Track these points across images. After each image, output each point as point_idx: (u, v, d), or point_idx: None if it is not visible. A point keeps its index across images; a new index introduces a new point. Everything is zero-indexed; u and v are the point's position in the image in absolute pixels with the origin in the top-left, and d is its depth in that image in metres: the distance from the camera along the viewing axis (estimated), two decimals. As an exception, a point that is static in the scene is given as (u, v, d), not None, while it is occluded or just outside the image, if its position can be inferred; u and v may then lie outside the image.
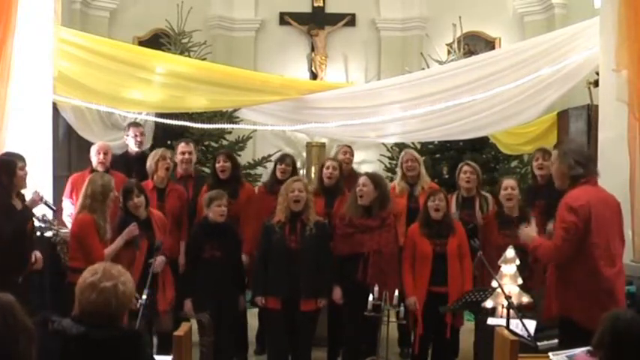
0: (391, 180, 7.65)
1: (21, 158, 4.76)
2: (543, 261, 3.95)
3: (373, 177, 5.22)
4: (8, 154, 4.80)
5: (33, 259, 4.80)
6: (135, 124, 6.49)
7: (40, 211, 5.22)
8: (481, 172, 5.80)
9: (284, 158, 5.99)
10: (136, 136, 6.31)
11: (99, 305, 2.46)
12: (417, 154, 5.95)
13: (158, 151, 5.74)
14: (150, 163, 5.67)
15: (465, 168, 5.67)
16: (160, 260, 4.63)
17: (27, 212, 4.73)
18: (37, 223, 5.24)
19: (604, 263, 3.72)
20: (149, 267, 4.52)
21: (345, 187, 5.62)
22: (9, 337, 2.12)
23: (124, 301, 2.51)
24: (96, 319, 2.46)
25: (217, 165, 5.73)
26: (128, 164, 6.21)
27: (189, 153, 5.96)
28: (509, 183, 5.25)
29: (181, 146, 5.99)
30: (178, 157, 5.93)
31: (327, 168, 5.67)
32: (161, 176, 5.61)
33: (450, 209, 5.29)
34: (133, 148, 6.32)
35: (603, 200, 3.83)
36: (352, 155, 6.43)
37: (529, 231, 4.15)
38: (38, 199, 4.77)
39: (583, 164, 3.79)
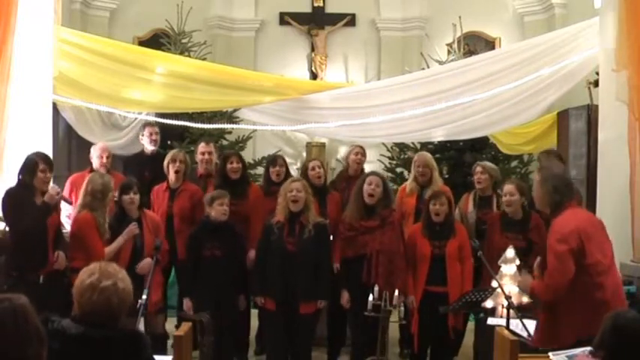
0: (393, 180, 7.67)
1: (45, 160, 4.73)
2: (543, 299, 3.90)
3: (381, 176, 5.23)
4: (35, 154, 4.78)
5: (55, 257, 4.71)
6: (149, 124, 6.54)
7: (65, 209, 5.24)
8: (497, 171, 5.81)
9: (276, 160, 5.94)
10: (151, 134, 6.37)
11: (100, 305, 2.46)
12: (429, 160, 5.83)
13: (170, 154, 5.77)
14: (164, 164, 5.70)
15: (477, 169, 5.70)
16: (145, 262, 4.64)
17: (45, 207, 4.64)
18: (64, 220, 5.24)
19: (602, 278, 3.72)
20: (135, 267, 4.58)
21: (350, 187, 5.62)
22: (20, 340, 2.09)
23: (124, 298, 2.51)
24: (97, 318, 2.47)
25: (230, 166, 5.65)
26: (142, 164, 6.26)
27: (209, 153, 5.98)
28: (508, 189, 5.17)
29: (201, 146, 6.04)
30: (198, 157, 6.00)
31: (314, 169, 5.65)
32: (172, 179, 5.65)
33: (465, 209, 5.44)
34: (149, 147, 6.36)
35: (589, 220, 3.90)
36: (364, 156, 6.34)
37: (525, 280, 4.06)
38: (55, 194, 4.73)
39: (562, 192, 3.86)
